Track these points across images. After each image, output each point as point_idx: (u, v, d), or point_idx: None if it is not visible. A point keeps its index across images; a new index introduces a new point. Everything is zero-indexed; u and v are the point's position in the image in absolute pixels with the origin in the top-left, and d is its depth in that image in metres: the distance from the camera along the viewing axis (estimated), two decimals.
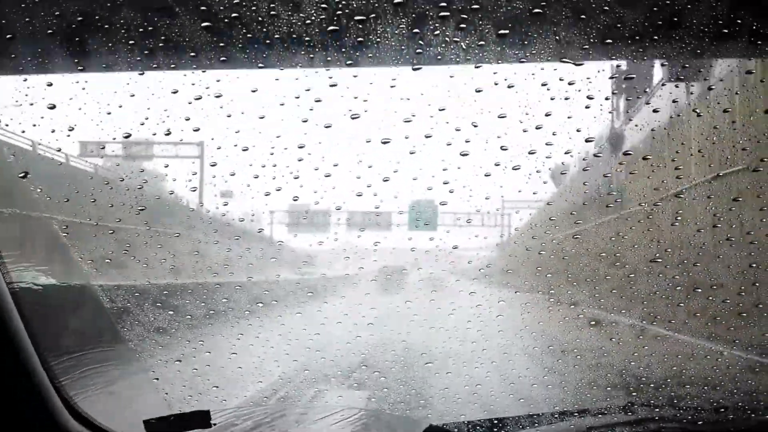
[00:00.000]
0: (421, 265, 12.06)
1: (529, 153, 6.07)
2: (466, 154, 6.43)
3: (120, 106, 5.85)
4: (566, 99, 5.73)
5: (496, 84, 5.68)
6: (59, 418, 2.22)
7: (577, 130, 6.36)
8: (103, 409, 2.62)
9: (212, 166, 7.39)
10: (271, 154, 6.70)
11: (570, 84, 5.60)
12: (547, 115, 5.75)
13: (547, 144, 6.14)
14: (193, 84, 5.75)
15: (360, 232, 12.81)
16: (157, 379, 5.07)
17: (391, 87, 6.40)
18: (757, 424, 2.85)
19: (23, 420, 2.12)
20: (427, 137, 6.94)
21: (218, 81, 5.82)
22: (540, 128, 6.02)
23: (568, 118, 6.02)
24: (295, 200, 12.21)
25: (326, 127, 6.06)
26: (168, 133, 5.99)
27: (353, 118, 6.11)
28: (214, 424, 2.70)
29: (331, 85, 5.59)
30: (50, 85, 5.04)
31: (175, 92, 5.44)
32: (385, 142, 6.17)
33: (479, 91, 5.69)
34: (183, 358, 5.51)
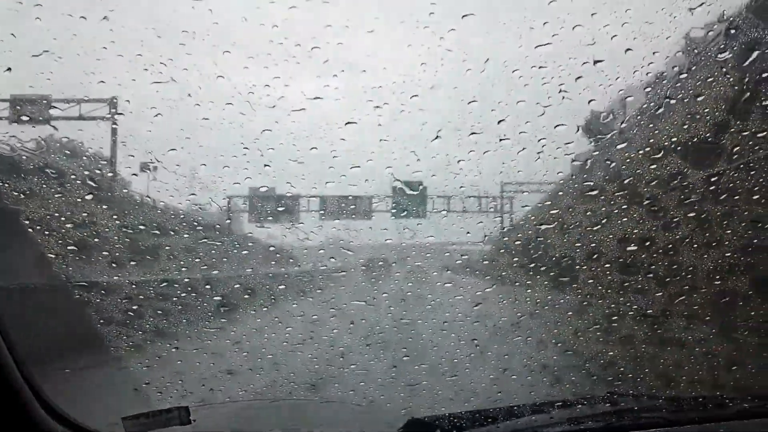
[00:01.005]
0: (405, 264, 10.77)
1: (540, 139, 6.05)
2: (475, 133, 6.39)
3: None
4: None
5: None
6: (37, 419, 2.19)
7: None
8: (82, 408, 2.59)
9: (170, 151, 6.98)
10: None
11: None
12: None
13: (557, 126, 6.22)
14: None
15: (334, 221, 12.34)
16: (133, 378, 5.05)
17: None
18: (735, 413, 2.88)
19: (1, 423, 2.08)
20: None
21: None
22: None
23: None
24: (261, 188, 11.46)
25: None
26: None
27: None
28: (194, 420, 2.68)
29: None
30: None
31: None
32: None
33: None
34: (159, 357, 5.46)
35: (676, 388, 4.99)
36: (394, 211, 16.50)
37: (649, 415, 2.87)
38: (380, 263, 12.33)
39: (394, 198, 15.47)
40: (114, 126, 14.68)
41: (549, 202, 10.69)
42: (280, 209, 13.68)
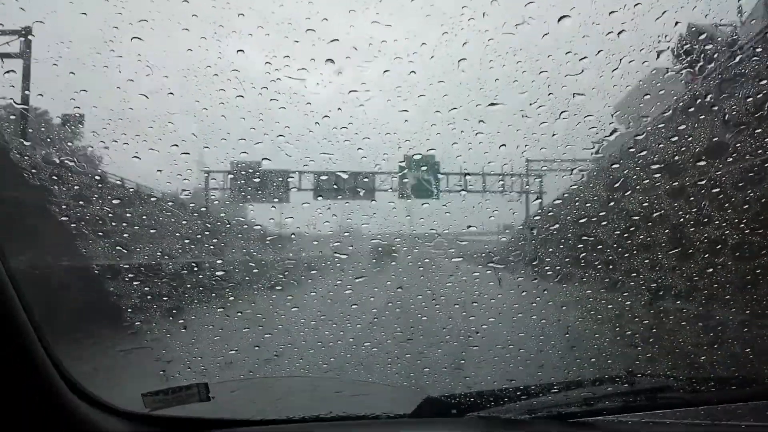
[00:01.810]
0: (413, 261, 9.29)
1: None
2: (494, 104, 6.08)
3: None
4: None
5: None
6: (60, 395, 2.22)
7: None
8: (103, 385, 2.63)
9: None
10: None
11: None
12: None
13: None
14: None
15: (326, 202, 10.53)
16: (154, 355, 5.09)
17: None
18: (754, 392, 2.87)
19: (25, 398, 2.12)
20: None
21: None
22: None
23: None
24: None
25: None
26: None
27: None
28: (213, 397, 2.71)
29: None
30: None
31: None
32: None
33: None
34: (181, 333, 5.51)
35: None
36: (401, 191, 14.12)
37: (668, 394, 2.86)
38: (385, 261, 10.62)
39: (402, 175, 13.54)
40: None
41: (584, 183, 10.08)
42: (265, 187, 11.89)
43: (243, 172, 11.69)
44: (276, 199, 12.66)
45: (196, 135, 7.26)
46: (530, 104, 6.22)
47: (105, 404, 2.48)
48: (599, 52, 5.79)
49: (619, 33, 5.59)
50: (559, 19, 5.64)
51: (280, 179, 13.59)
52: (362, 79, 6.75)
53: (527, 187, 16.76)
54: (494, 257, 11.27)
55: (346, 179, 11.86)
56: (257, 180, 11.72)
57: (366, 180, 13.52)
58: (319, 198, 13.47)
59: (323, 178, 13.08)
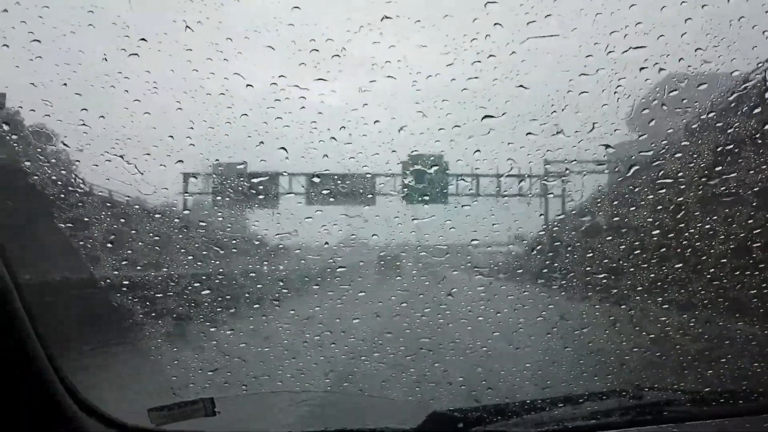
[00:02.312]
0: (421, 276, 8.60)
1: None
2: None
3: None
4: None
5: None
6: (65, 409, 2.22)
7: None
8: (109, 399, 2.62)
9: None
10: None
11: None
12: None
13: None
14: None
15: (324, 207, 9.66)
16: (161, 369, 5.09)
17: None
18: (761, 407, 2.85)
19: (30, 412, 2.12)
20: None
21: None
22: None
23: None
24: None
25: None
26: None
27: None
28: (218, 412, 2.71)
29: None
30: None
31: None
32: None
33: None
34: (187, 347, 5.51)
35: None
36: (405, 195, 12.68)
37: (676, 408, 2.85)
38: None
39: (406, 177, 12.16)
40: None
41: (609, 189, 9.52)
42: (251, 191, 10.26)
43: (226, 175, 10.51)
44: (263, 206, 11.24)
45: (202, 154, 7.31)
46: (542, 106, 6.20)
47: (109, 418, 2.48)
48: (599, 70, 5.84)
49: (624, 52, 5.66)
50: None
51: (268, 182, 11.62)
52: (365, 96, 6.70)
53: (546, 190, 14.92)
54: (503, 268, 11.05)
55: (343, 182, 10.46)
56: (242, 184, 10.47)
57: (365, 183, 12.06)
58: (314, 204, 11.82)
59: (316, 180, 10.81)
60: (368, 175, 11.76)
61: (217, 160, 10.14)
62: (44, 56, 5.40)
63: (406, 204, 12.22)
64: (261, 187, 10.66)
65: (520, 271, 10.69)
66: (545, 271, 8.68)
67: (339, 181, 10.20)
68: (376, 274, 10.42)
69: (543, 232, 11.72)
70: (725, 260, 6.91)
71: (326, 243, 7.64)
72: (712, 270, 7.01)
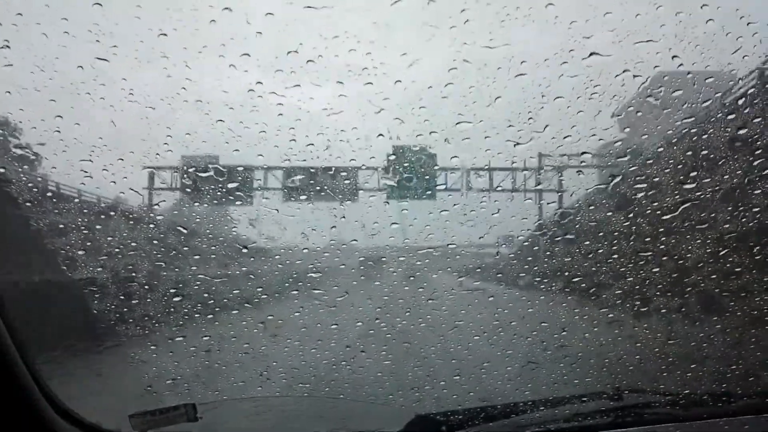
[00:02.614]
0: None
1: None
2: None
3: None
4: None
5: None
6: (44, 416, 2.20)
7: None
8: (89, 405, 2.60)
9: None
10: None
11: None
12: None
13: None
14: None
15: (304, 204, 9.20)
16: (141, 374, 5.05)
17: None
18: (741, 408, 2.89)
19: (8, 419, 2.09)
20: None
21: None
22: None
23: None
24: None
25: None
26: None
27: None
28: (200, 417, 2.69)
29: None
30: None
31: None
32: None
33: None
34: (168, 351, 5.47)
35: None
36: (389, 190, 12.58)
37: (655, 411, 2.88)
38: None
39: (391, 171, 11.72)
40: None
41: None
42: (224, 188, 9.17)
43: (195, 170, 9.42)
44: (237, 202, 10.29)
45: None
46: (533, 98, 6.12)
47: (91, 425, 2.45)
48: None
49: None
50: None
51: (241, 177, 10.54)
52: (341, 101, 6.64)
53: (525, 196, 14.20)
54: (487, 270, 10.83)
55: (323, 177, 9.50)
56: (213, 178, 9.21)
57: (347, 177, 10.90)
58: (291, 200, 11.41)
59: (296, 176, 10.28)
60: (348, 172, 10.96)
61: (183, 155, 9.74)
62: (17, 63, 5.35)
63: (387, 202, 12.20)
64: (237, 190, 10.14)
65: (500, 274, 10.69)
66: (524, 274, 8.74)
67: (318, 178, 9.51)
68: (357, 278, 9.77)
69: (522, 236, 11.38)
70: (705, 263, 6.99)
71: (305, 248, 7.39)
72: (693, 273, 7.10)
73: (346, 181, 10.93)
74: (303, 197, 9.74)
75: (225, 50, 6.04)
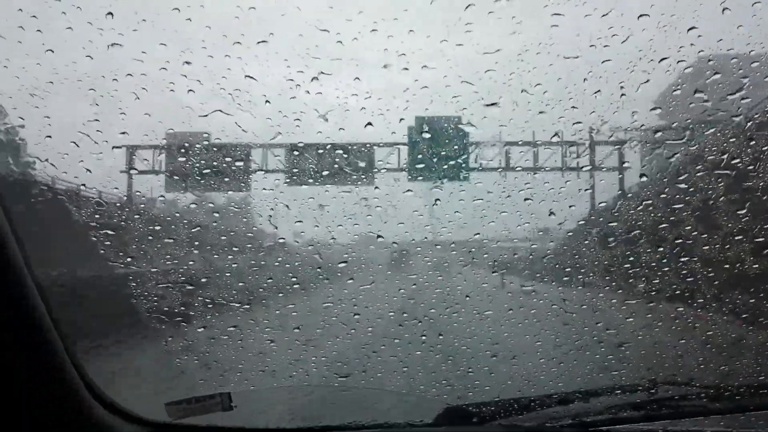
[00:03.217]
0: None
1: None
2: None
3: None
4: None
5: None
6: (84, 404, 2.24)
7: None
8: (127, 394, 2.65)
9: None
10: None
11: None
12: None
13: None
14: None
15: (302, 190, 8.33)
16: (176, 362, 5.13)
17: None
18: None
19: (49, 407, 2.14)
20: None
21: None
22: None
23: None
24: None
25: None
26: None
27: None
28: (235, 406, 2.72)
29: None
30: None
31: None
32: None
33: None
34: (204, 342, 5.55)
35: None
36: (412, 171, 10.54)
37: (690, 403, 2.84)
38: None
39: (413, 147, 10.01)
40: None
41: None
42: (215, 169, 8.01)
43: (183, 150, 8.20)
44: (229, 187, 8.74)
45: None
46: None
47: (125, 411, 2.50)
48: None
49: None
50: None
51: (233, 157, 8.74)
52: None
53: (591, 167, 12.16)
54: (516, 261, 10.22)
55: (332, 156, 7.98)
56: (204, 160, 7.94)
57: (361, 156, 9.25)
58: (292, 184, 9.91)
59: (297, 153, 8.75)
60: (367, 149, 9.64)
61: (171, 129, 8.24)
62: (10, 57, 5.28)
63: (410, 180, 10.28)
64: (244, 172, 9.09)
65: (532, 263, 10.37)
66: (559, 265, 8.59)
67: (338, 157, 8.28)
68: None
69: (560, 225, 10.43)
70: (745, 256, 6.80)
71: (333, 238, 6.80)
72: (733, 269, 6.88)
73: (366, 161, 9.82)
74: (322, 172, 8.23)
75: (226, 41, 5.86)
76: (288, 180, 10.38)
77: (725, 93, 5.99)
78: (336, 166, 8.12)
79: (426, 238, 6.95)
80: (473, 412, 2.81)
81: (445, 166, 9.76)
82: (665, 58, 5.55)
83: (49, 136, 5.44)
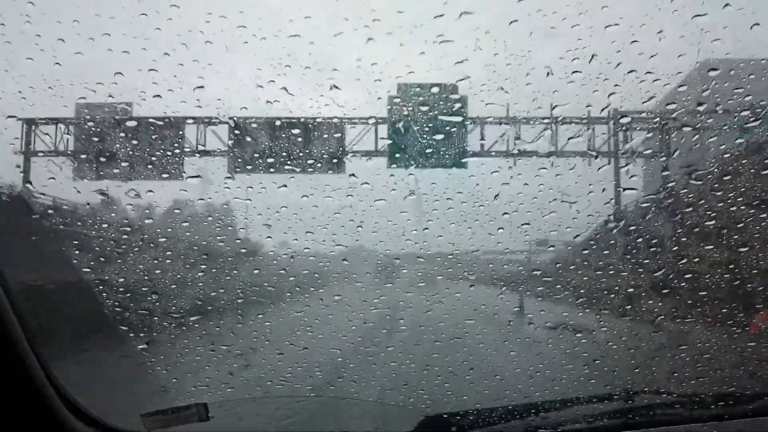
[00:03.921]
0: None
1: None
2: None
3: None
4: None
5: None
6: (56, 414, 2.21)
7: None
8: (101, 403, 2.61)
9: None
10: None
11: None
12: None
13: None
14: None
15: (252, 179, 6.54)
16: (150, 372, 5.07)
17: None
18: (753, 409, 2.87)
19: (21, 416, 2.11)
20: None
21: None
22: None
23: None
24: None
25: None
26: None
27: None
28: (212, 417, 2.70)
29: None
30: None
31: None
32: None
33: None
34: (181, 351, 5.50)
35: None
36: (393, 154, 8.42)
37: (666, 411, 2.86)
38: None
39: (394, 123, 7.72)
40: None
41: None
42: (130, 150, 6.29)
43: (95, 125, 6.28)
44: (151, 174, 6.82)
45: None
46: None
47: (102, 424, 2.47)
48: None
49: None
50: None
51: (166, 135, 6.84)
52: None
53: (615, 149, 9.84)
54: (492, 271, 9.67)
55: (289, 133, 6.35)
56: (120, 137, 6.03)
57: (328, 136, 7.37)
58: (242, 172, 7.99)
59: (254, 128, 6.81)
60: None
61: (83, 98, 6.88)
62: None
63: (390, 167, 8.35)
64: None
65: (510, 274, 10.29)
66: (539, 273, 8.56)
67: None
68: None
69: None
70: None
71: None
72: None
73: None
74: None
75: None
76: (235, 166, 8.34)
77: None
78: (296, 148, 6.20)
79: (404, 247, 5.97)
80: (452, 421, 2.81)
81: (435, 147, 7.77)
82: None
83: None
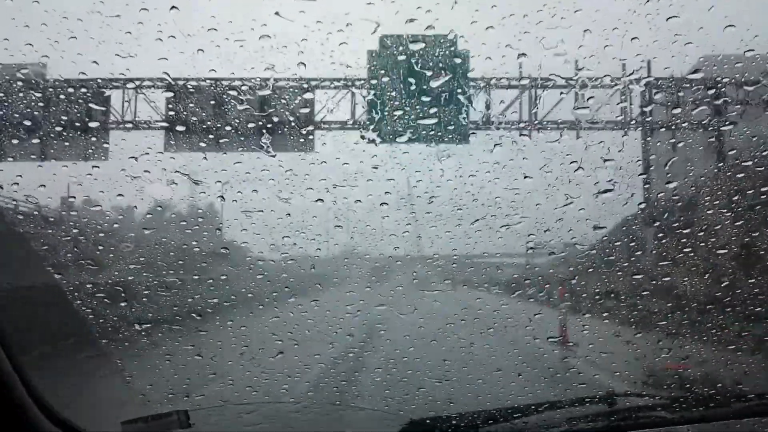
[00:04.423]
0: None
1: None
2: None
3: None
4: None
5: None
6: (34, 422, 2.17)
7: None
8: (80, 411, 2.57)
9: None
10: None
11: None
12: None
13: None
14: None
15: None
16: (128, 379, 5.02)
17: None
18: (735, 411, 2.89)
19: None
20: None
21: None
22: None
23: None
24: None
25: None
26: None
27: None
28: (193, 424, 2.67)
29: None
30: None
31: None
32: None
33: None
34: (160, 357, 5.45)
35: None
36: (380, 126, 6.74)
37: (648, 414, 2.87)
38: None
39: (376, 85, 6.29)
40: None
41: None
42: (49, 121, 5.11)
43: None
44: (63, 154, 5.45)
45: None
46: None
47: (79, 430, 2.43)
48: None
49: None
50: None
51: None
52: None
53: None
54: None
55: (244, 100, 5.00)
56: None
57: (291, 100, 6.04)
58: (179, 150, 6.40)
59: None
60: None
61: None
62: None
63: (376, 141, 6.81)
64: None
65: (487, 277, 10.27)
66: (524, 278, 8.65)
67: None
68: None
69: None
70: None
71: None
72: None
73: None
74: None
75: None
76: (172, 142, 6.56)
77: None
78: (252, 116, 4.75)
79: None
80: (435, 425, 2.81)
81: (429, 115, 6.05)
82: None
83: None
